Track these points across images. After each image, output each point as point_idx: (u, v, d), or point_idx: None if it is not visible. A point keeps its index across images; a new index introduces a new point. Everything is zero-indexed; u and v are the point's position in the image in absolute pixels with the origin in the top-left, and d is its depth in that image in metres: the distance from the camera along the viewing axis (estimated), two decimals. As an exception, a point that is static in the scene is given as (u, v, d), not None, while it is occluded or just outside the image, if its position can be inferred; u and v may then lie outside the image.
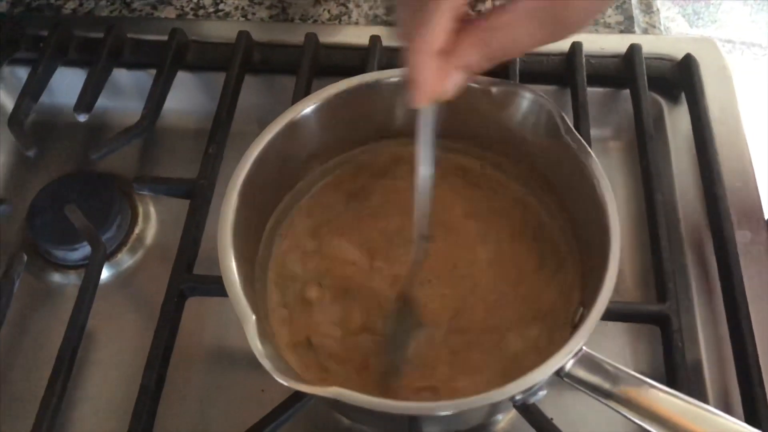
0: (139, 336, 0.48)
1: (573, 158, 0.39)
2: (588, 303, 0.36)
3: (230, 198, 0.38)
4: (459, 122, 0.45)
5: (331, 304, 0.43)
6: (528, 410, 0.40)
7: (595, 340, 0.48)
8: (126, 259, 0.55)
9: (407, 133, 0.45)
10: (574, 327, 0.38)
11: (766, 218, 0.51)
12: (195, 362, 0.49)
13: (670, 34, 1.80)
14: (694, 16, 1.83)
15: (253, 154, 0.39)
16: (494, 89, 0.42)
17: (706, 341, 0.48)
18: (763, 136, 1.58)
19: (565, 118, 0.40)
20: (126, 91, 0.61)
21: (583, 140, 0.39)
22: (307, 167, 0.46)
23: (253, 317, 0.34)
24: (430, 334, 0.42)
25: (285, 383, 0.32)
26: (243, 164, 0.39)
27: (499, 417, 0.47)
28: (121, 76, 0.61)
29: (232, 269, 0.36)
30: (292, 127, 0.41)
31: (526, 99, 0.41)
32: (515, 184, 0.46)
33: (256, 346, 0.33)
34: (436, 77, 0.33)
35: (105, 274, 0.54)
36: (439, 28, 0.32)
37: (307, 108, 0.41)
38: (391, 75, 0.42)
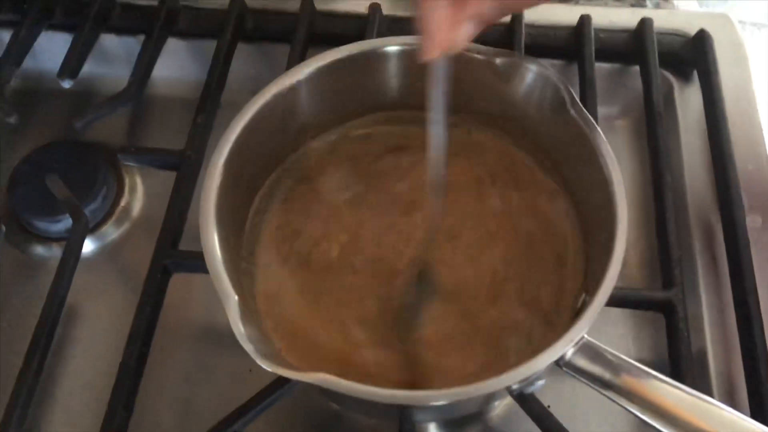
0: (123, 311, 0.46)
1: (579, 135, 0.37)
2: (591, 290, 0.34)
3: (214, 170, 0.36)
4: (462, 96, 0.42)
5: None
6: (524, 398, 0.38)
7: (596, 326, 0.47)
8: (111, 232, 0.53)
9: (404, 105, 0.43)
10: (576, 314, 0.36)
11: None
12: (180, 340, 0.48)
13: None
14: (705, -5, 1.78)
15: (240, 125, 0.37)
16: (498, 61, 0.39)
17: (713, 330, 0.46)
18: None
19: (572, 92, 0.38)
20: (114, 57, 0.59)
21: (590, 116, 0.37)
22: (299, 139, 0.43)
23: (236, 297, 0.32)
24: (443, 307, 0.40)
25: (267, 368, 0.30)
26: (228, 135, 0.37)
27: (495, 403, 0.45)
28: (109, 41, 0.58)
29: (214, 247, 0.34)
30: (282, 97, 0.39)
31: (531, 72, 0.39)
32: (521, 163, 0.43)
33: (238, 327, 0.31)
34: (448, 26, 0.32)
35: (89, 246, 0.52)
36: None
37: (297, 77, 0.39)
38: (388, 43, 0.40)
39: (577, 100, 0.37)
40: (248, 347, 0.31)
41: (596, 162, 0.36)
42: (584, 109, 0.37)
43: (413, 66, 0.39)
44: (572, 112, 0.37)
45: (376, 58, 0.41)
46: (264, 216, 0.43)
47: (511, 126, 0.43)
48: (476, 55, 0.39)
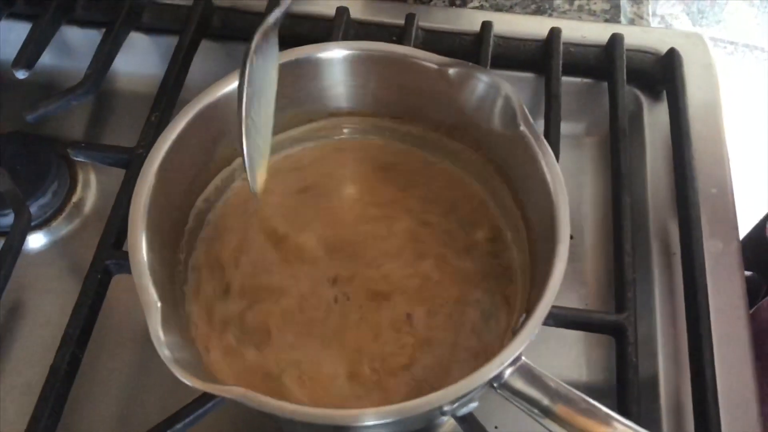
0: (68, 309, 0.44)
1: (528, 152, 0.36)
2: (530, 310, 0.33)
3: (147, 174, 0.34)
4: (416, 104, 0.42)
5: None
6: (465, 420, 0.37)
7: (550, 347, 0.46)
8: (62, 227, 0.52)
9: (341, 113, 0.42)
10: (514, 333, 0.34)
11: (739, 228, 0.48)
12: (121, 342, 0.46)
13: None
14: (699, 14, 1.78)
15: (179, 126, 0.36)
16: (451, 70, 0.38)
17: (665, 354, 0.45)
18: (759, 139, 1.55)
19: (524, 106, 0.37)
20: (77, 50, 0.58)
21: (538, 132, 0.36)
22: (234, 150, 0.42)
23: (159, 304, 0.31)
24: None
25: (182, 378, 0.29)
26: (166, 136, 0.36)
27: (442, 422, 0.44)
28: (72, 33, 0.57)
29: (140, 251, 0.33)
30: (220, 102, 0.38)
31: (483, 82, 0.38)
32: (469, 176, 0.42)
33: (157, 334, 0.30)
34: None
35: (40, 241, 0.51)
36: None
37: (225, 88, 0.38)
38: (325, 49, 0.39)
39: (528, 115, 0.36)
40: (164, 354, 0.30)
41: (543, 182, 0.35)
42: (534, 126, 0.36)
43: (357, 72, 0.38)
44: (522, 127, 0.36)
45: (311, 65, 0.40)
46: (206, 217, 0.41)
47: (464, 137, 0.41)
48: (428, 64, 0.38)
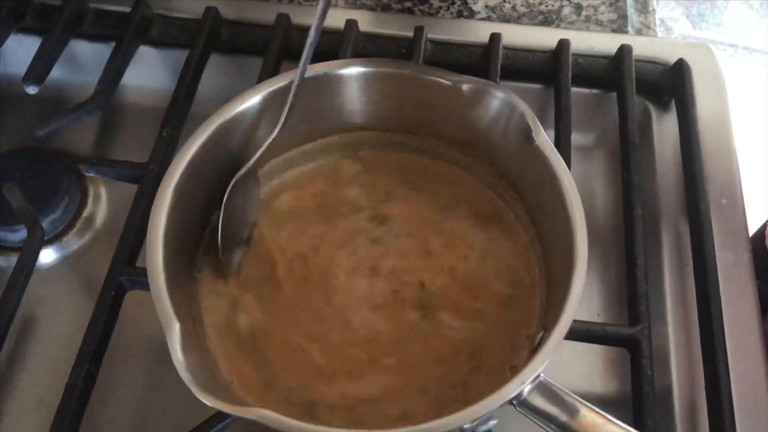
0: (81, 325, 0.44)
1: (544, 167, 0.36)
2: (549, 327, 0.33)
3: (163, 198, 0.34)
4: (428, 120, 0.42)
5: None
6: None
7: (563, 359, 0.46)
8: (73, 242, 0.51)
9: (362, 127, 0.42)
10: (534, 351, 0.35)
11: (750, 237, 0.48)
12: (135, 358, 0.46)
13: (671, 34, 1.77)
14: (698, 17, 1.79)
15: (194, 146, 0.37)
16: (465, 87, 0.38)
17: (679, 365, 0.45)
18: (760, 144, 1.55)
19: (537, 122, 0.37)
20: (86, 64, 0.58)
21: (554, 148, 0.36)
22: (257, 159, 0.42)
23: (177, 324, 0.31)
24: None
25: (203, 399, 0.29)
26: (181, 156, 0.36)
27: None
28: (81, 47, 0.57)
29: (158, 272, 0.33)
30: (236, 120, 0.38)
31: (497, 99, 0.38)
32: (485, 189, 0.43)
33: (177, 355, 0.30)
34: None
35: (51, 256, 0.51)
36: None
37: (251, 100, 0.38)
38: (340, 66, 0.39)
39: (542, 130, 0.36)
40: (185, 376, 0.30)
41: (559, 196, 0.35)
42: (550, 141, 0.36)
43: (371, 88, 0.38)
44: (537, 142, 0.36)
45: (327, 82, 0.40)
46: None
47: (477, 153, 0.42)
48: (442, 80, 0.38)
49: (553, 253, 0.38)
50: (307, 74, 0.38)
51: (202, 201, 0.39)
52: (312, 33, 0.36)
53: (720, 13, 1.80)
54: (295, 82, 0.37)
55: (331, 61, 0.40)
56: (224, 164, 0.40)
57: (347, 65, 0.39)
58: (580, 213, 0.34)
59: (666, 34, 1.75)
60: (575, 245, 0.33)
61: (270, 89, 0.39)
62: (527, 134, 0.37)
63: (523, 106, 0.37)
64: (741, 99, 1.66)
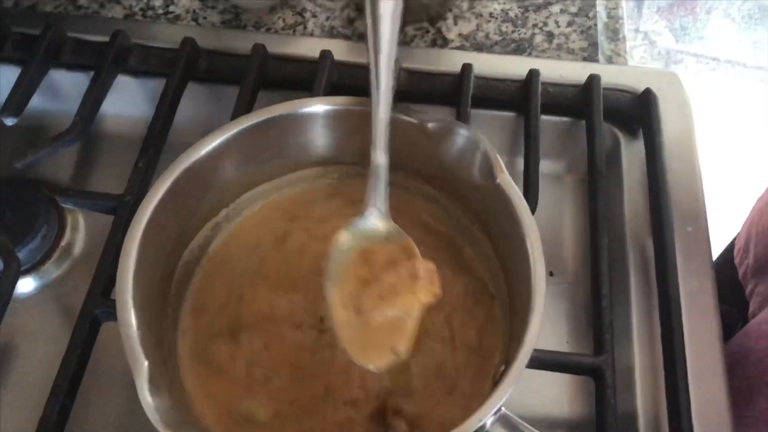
0: (59, 353, 0.45)
1: (505, 203, 0.37)
2: (510, 361, 0.34)
3: (133, 236, 0.35)
4: (396, 154, 0.42)
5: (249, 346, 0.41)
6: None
7: (531, 386, 0.47)
8: (52, 271, 0.52)
9: (325, 162, 0.43)
10: (495, 384, 0.35)
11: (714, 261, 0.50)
12: (111, 388, 0.47)
13: (655, 47, 1.79)
14: (681, 31, 1.81)
15: (164, 186, 0.37)
16: (431, 125, 0.39)
17: (644, 390, 0.46)
18: (740, 154, 1.57)
19: (500, 160, 0.38)
20: (65, 93, 0.59)
21: (516, 187, 0.37)
22: (225, 197, 0.43)
23: (146, 363, 0.32)
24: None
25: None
26: (152, 195, 0.37)
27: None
28: (59, 76, 0.58)
29: (128, 313, 0.33)
30: (205, 158, 0.39)
31: (462, 137, 0.39)
32: (450, 225, 0.43)
33: (144, 395, 0.31)
34: None
35: (30, 285, 0.51)
36: None
37: (212, 144, 0.39)
38: (305, 105, 0.40)
39: (504, 169, 0.37)
40: (153, 417, 0.30)
41: (519, 234, 0.36)
42: (511, 180, 0.37)
43: (338, 125, 0.39)
44: (498, 179, 0.37)
45: (299, 118, 0.41)
46: (194, 268, 0.42)
47: (444, 186, 0.43)
48: (408, 119, 0.39)
49: (515, 287, 0.39)
50: (274, 113, 0.39)
51: (175, 235, 0.40)
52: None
53: (702, 27, 1.82)
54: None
55: (297, 100, 0.41)
56: (196, 199, 0.41)
57: (313, 104, 0.40)
58: (540, 257, 0.35)
59: (650, 47, 1.78)
60: (534, 286, 0.34)
61: (242, 127, 0.40)
62: (491, 171, 0.38)
63: (486, 144, 0.38)
64: (723, 111, 1.69)
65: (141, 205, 0.36)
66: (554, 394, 0.48)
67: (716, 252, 0.64)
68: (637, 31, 1.80)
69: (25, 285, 0.51)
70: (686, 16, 1.82)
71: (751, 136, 1.63)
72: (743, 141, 1.59)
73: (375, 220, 0.39)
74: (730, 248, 0.69)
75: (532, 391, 0.47)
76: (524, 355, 0.33)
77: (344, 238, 0.38)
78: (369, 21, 0.35)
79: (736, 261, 0.66)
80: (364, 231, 0.39)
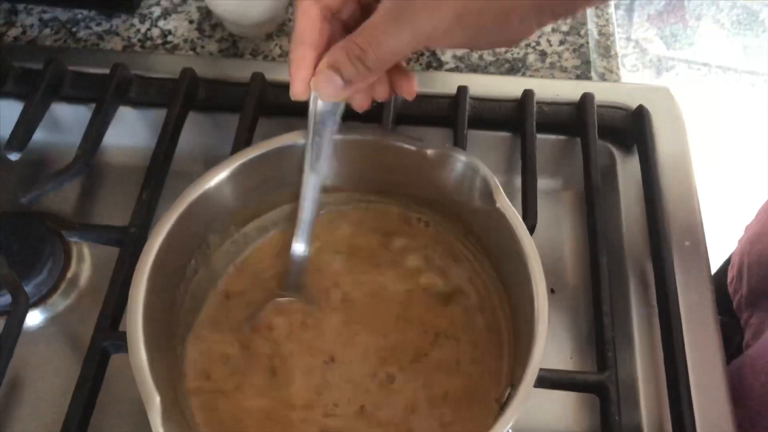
0: (68, 385, 0.45)
1: (505, 228, 0.38)
2: (515, 384, 0.35)
3: (141, 274, 0.36)
4: (397, 181, 0.43)
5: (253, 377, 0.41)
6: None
7: (537, 403, 0.48)
8: (59, 303, 0.53)
9: (326, 190, 0.44)
10: (501, 407, 0.36)
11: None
12: (122, 418, 0.47)
13: (646, 55, 1.81)
14: (672, 38, 1.83)
15: (169, 222, 0.38)
16: (429, 152, 0.40)
17: (648, 404, 0.46)
18: (734, 159, 1.58)
19: (498, 186, 0.38)
20: (67, 126, 0.59)
21: (515, 211, 0.38)
22: (228, 230, 0.44)
23: (158, 398, 0.32)
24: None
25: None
26: (158, 230, 0.38)
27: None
28: (61, 109, 0.59)
29: (140, 352, 0.34)
30: (210, 192, 0.39)
31: (460, 162, 0.40)
32: (453, 249, 0.44)
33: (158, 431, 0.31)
34: (307, 68, 0.36)
35: (38, 318, 0.52)
36: (303, 21, 0.36)
37: (214, 178, 0.40)
38: (297, 138, 0.41)
39: (503, 193, 0.38)
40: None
41: (520, 257, 0.37)
42: (510, 205, 0.38)
43: (338, 154, 0.40)
44: (498, 204, 0.38)
45: (296, 150, 0.41)
46: (203, 299, 0.43)
47: (445, 210, 0.43)
48: (407, 146, 0.40)
49: (518, 308, 0.39)
50: (275, 145, 0.40)
51: (182, 267, 0.40)
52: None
53: (692, 33, 1.84)
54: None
55: (296, 132, 0.41)
56: (202, 232, 0.41)
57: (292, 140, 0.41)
58: (541, 280, 0.36)
59: (641, 55, 1.79)
60: (536, 309, 0.34)
61: (243, 160, 0.40)
62: (489, 196, 0.39)
63: (485, 170, 0.39)
64: (715, 117, 1.71)
65: (147, 244, 0.37)
66: (559, 410, 0.49)
67: (714, 265, 0.65)
68: (628, 39, 1.82)
69: (33, 318, 0.52)
70: (676, 23, 1.84)
71: (744, 141, 1.64)
72: (736, 146, 1.61)
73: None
74: (723, 269, 0.70)
75: (537, 408, 0.48)
76: (530, 378, 0.34)
77: None
78: (310, 115, 0.38)
79: (730, 290, 0.67)
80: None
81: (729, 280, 0.67)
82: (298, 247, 0.42)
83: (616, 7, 1.88)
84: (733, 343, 0.56)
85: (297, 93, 0.37)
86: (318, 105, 0.38)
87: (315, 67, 0.36)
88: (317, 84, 0.36)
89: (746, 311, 0.64)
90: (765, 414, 0.48)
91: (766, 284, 0.61)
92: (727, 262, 0.69)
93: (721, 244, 0.71)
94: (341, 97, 0.36)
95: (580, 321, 0.52)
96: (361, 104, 0.39)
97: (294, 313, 0.42)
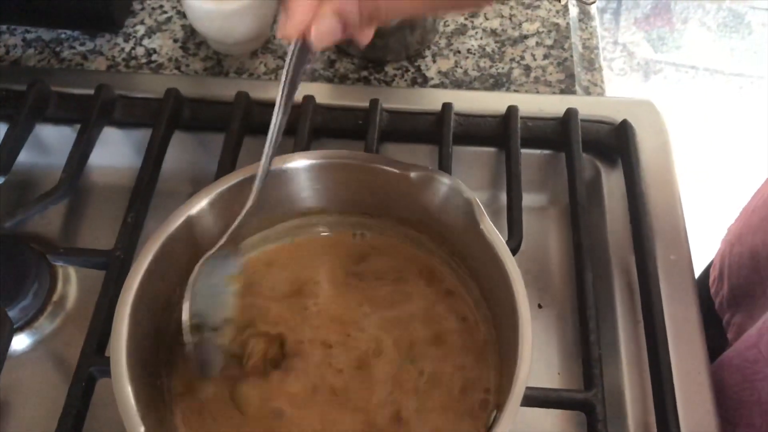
0: (55, 409, 0.45)
1: (489, 249, 0.38)
2: (501, 407, 0.35)
3: (125, 302, 0.36)
4: (381, 203, 0.44)
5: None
6: None
7: (526, 420, 0.48)
8: (46, 326, 0.53)
9: (311, 212, 0.44)
10: (488, 430, 0.36)
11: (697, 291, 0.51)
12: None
13: (634, 59, 1.81)
14: (659, 41, 1.84)
15: (156, 245, 0.38)
16: (413, 174, 0.40)
17: (635, 419, 0.47)
18: (720, 163, 1.59)
19: (482, 208, 0.39)
20: (51, 147, 0.59)
21: (499, 234, 0.38)
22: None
23: (142, 429, 0.32)
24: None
25: None
26: (141, 261, 0.38)
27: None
28: (46, 131, 0.58)
29: (124, 379, 0.34)
30: (186, 225, 0.40)
31: (444, 185, 0.40)
32: (437, 269, 0.44)
33: (143, 464, 0.31)
34: (305, 11, 0.35)
35: (24, 342, 0.52)
36: None
37: (198, 205, 0.40)
38: (289, 160, 0.42)
39: (486, 216, 0.38)
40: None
41: (504, 279, 0.37)
42: (493, 227, 0.38)
43: (322, 177, 0.40)
44: (481, 226, 0.38)
45: (284, 173, 0.42)
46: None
47: (430, 232, 0.43)
48: (391, 169, 0.40)
49: (503, 328, 0.39)
50: (256, 170, 0.40)
51: (166, 293, 0.40)
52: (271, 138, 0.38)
53: (679, 36, 1.85)
54: (259, 176, 0.39)
55: (281, 156, 0.41)
56: (186, 258, 0.41)
57: (297, 158, 0.41)
58: (525, 302, 0.36)
59: (628, 59, 1.80)
60: (519, 336, 0.35)
61: (226, 186, 0.41)
62: (473, 218, 0.39)
63: (468, 192, 0.39)
64: (704, 119, 1.72)
65: (131, 270, 0.37)
66: (547, 426, 0.49)
67: (699, 268, 0.65)
68: (615, 43, 1.82)
69: (19, 342, 0.51)
70: (663, 27, 1.85)
71: (731, 143, 1.65)
72: (723, 148, 1.62)
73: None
74: (705, 274, 0.70)
75: (525, 425, 0.48)
76: (515, 401, 0.34)
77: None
78: (291, 59, 0.37)
79: (712, 291, 0.67)
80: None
81: (711, 281, 0.68)
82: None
83: (603, 11, 1.89)
84: (719, 354, 0.56)
85: (288, 35, 0.36)
86: (303, 52, 0.37)
87: (311, 13, 0.35)
88: (319, 29, 0.35)
89: (728, 311, 0.64)
90: (738, 411, 0.49)
91: (746, 284, 0.62)
92: (711, 263, 0.69)
93: (706, 248, 0.71)
94: (331, 43, 0.36)
95: (568, 335, 0.52)
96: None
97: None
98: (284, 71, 0.37)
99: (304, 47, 0.36)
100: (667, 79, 1.79)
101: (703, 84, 1.76)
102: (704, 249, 0.69)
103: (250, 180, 0.39)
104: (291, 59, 0.36)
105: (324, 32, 0.35)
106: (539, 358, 0.51)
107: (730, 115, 1.72)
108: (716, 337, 0.61)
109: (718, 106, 1.71)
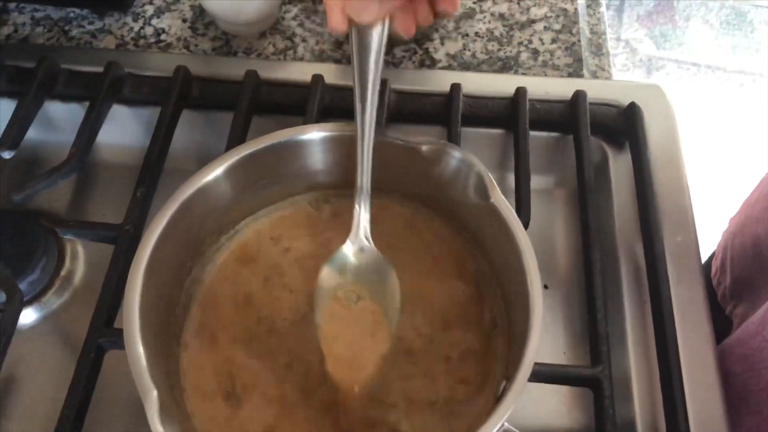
0: (63, 383, 0.45)
1: (500, 224, 0.38)
2: (510, 377, 0.35)
3: (137, 271, 0.36)
4: (391, 177, 0.44)
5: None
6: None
7: (532, 397, 0.48)
8: (53, 301, 0.53)
9: (320, 187, 0.44)
10: (497, 400, 0.36)
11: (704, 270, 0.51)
12: (116, 415, 0.48)
13: (636, 55, 1.82)
14: (661, 38, 1.84)
15: (164, 219, 0.38)
16: (424, 148, 0.40)
17: (641, 398, 0.47)
18: (723, 157, 1.60)
19: (493, 181, 0.39)
20: (60, 124, 0.59)
21: (510, 206, 0.38)
22: (226, 224, 0.44)
23: (155, 392, 0.32)
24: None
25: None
26: (153, 228, 0.38)
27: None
28: (54, 108, 0.58)
29: (137, 344, 0.34)
30: (205, 188, 0.39)
31: (455, 158, 0.40)
32: (447, 242, 0.44)
33: (156, 426, 0.31)
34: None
35: (31, 317, 0.52)
36: None
37: (209, 175, 0.40)
38: (302, 132, 0.41)
39: (497, 189, 0.38)
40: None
41: (515, 252, 0.37)
42: (505, 200, 0.38)
43: (333, 151, 0.40)
44: (492, 199, 0.38)
45: (295, 145, 0.42)
46: (197, 294, 0.43)
47: (439, 207, 0.44)
48: (401, 142, 0.40)
49: (512, 303, 0.39)
50: (270, 141, 0.40)
51: (177, 262, 0.40)
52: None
53: (682, 33, 1.85)
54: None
55: (293, 128, 0.42)
56: (196, 227, 0.41)
57: (309, 131, 0.41)
58: (536, 274, 0.36)
59: (631, 55, 1.80)
60: (531, 303, 0.35)
61: (238, 156, 0.41)
62: (484, 192, 0.39)
63: (479, 166, 0.39)
64: (705, 116, 1.72)
65: (142, 240, 0.37)
66: (553, 404, 0.49)
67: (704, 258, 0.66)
68: (618, 39, 1.83)
69: (27, 316, 0.52)
70: (665, 24, 1.85)
71: (733, 139, 1.65)
72: (725, 144, 1.62)
73: (357, 249, 0.40)
74: (707, 266, 0.70)
75: (531, 402, 0.48)
76: (525, 371, 0.34)
77: (327, 274, 0.40)
78: (354, 49, 0.36)
79: (714, 283, 0.67)
80: (346, 264, 0.41)
81: (713, 272, 0.68)
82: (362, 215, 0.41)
83: (606, 7, 1.89)
84: (725, 338, 0.56)
85: (336, 23, 0.35)
86: (360, 39, 0.36)
87: None
88: (366, 14, 0.35)
89: (731, 302, 0.65)
90: (744, 400, 0.49)
91: (749, 275, 0.62)
92: (713, 254, 0.70)
93: (711, 239, 0.72)
94: (377, 14, 0.35)
95: (573, 316, 0.52)
96: (406, 28, 0.38)
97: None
98: (353, 69, 0.38)
99: (358, 33, 0.36)
100: (669, 75, 1.80)
101: (704, 81, 1.76)
102: (705, 245, 0.70)
103: (262, 151, 0.39)
104: (351, 48, 0.36)
105: (373, 13, 0.35)
106: (545, 338, 0.51)
107: (731, 111, 1.72)
108: (720, 321, 0.61)
109: (720, 103, 1.71)
